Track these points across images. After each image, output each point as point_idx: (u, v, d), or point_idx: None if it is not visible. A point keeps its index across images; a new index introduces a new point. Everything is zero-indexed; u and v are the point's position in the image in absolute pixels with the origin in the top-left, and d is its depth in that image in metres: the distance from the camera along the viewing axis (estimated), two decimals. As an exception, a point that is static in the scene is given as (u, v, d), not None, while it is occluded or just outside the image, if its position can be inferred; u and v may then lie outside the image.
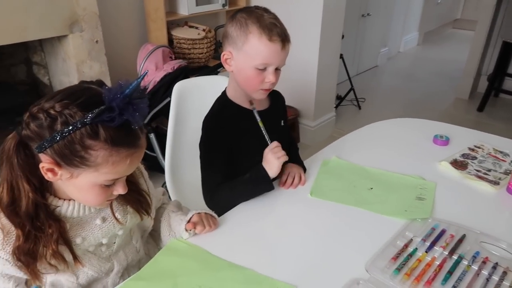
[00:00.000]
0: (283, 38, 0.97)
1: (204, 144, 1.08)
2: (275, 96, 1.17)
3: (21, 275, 0.73)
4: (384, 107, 3.56)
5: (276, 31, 0.96)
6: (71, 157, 0.65)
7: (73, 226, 0.77)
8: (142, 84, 2.12)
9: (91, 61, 1.93)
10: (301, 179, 1.10)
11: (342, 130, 3.03)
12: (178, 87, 1.48)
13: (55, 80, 2.09)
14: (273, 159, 1.01)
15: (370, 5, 3.90)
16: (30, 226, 0.70)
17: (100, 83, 0.71)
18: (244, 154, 1.07)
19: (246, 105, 1.08)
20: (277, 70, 1.00)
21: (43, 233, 0.71)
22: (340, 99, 3.40)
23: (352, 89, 3.38)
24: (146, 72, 0.90)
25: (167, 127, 2.35)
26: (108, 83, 2.03)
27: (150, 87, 2.06)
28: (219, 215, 1.00)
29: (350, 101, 3.50)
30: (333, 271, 0.84)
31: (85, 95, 0.66)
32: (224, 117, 1.07)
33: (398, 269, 0.82)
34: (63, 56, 1.91)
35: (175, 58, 2.23)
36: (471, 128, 1.49)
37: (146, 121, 2.14)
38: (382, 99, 3.75)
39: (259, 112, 1.06)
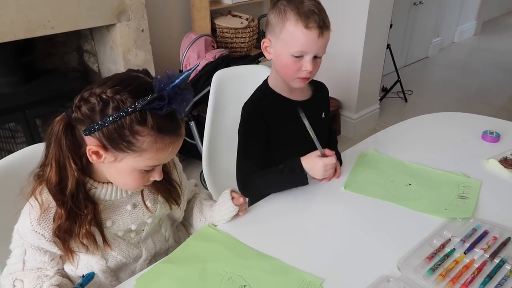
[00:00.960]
0: (321, 26, 0.94)
1: (242, 131, 1.08)
2: (318, 87, 1.14)
3: (56, 250, 0.78)
4: (433, 100, 3.38)
5: (314, 18, 0.93)
6: (119, 141, 0.68)
7: (105, 208, 0.80)
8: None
9: (136, 49, 1.99)
10: (336, 171, 1.08)
11: (385, 123, 2.93)
12: (218, 76, 1.49)
13: (104, 67, 2.18)
14: (320, 171, 0.99)
15: (423, -7, 3.70)
16: (72, 205, 0.74)
17: (146, 72, 0.73)
18: (280, 143, 1.06)
19: (286, 94, 1.07)
20: (316, 58, 0.98)
21: (80, 212, 0.75)
22: (385, 91, 3.28)
23: (398, 80, 3.24)
24: (197, 65, 0.91)
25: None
26: (152, 71, 2.09)
27: (192, 75, 2.09)
28: (251, 203, 1.01)
29: (396, 94, 3.37)
30: (363, 266, 0.82)
31: (135, 82, 0.68)
32: (263, 105, 1.07)
33: (433, 269, 0.78)
34: (111, 44, 1.99)
35: (218, 47, 2.25)
36: (530, 126, 1.38)
37: (187, 109, 2.19)
38: (432, 92, 3.56)
39: (300, 102, 1.05)
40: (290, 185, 1.04)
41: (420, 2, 3.72)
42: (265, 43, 1.02)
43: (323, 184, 1.07)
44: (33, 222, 0.74)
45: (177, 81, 0.66)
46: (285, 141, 1.06)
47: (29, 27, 1.62)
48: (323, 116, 1.14)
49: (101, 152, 0.70)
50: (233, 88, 1.53)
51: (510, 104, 3.35)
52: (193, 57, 2.08)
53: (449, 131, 1.37)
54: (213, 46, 2.19)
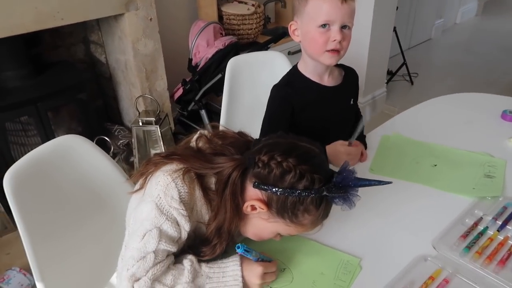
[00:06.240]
0: None
1: (267, 112, 1.08)
2: (349, 73, 1.13)
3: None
4: (438, 82, 3.38)
5: None
6: (287, 210, 0.68)
7: None
8: (194, 61, 2.12)
9: (145, 39, 1.97)
10: (362, 155, 1.08)
11: (393, 106, 2.93)
12: (232, 63, 1.48)
13: (111, 58, 2.16)
14: (342, 160, 0.99)
15: (425, -26, 3.67)
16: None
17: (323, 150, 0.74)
18: (305, 127, 1.06)
19: (316, 79, 1.06)
20: (344, 30, 0.96)
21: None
22: (391, 74, 3.27)
23: (404, 63, 3.23)
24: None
25: (216, 103, 2.39)
26: (161, 60, 2.07)
27: (202, 63, 2.08)
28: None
29: (401, 76, 3.36)
30: (398, 246, 0.83)
31: (323, 167, 0.71)
32: (291, 88, 1.06)
33: (468, 247, 0.80)
34: (119, 34, 1.97)
35: (225, 35, 2.23)
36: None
37: (197, 97, 2.18)
38: (437, 74, 3.56)
39: (331, 88, 1.05)
40: None
41: (423, -16, 3.69)
42: (292, 26, 1.02)
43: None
44: (183, 195, 0.68)
45: (361, 183, 0.69)
46: (310, 125, 1.06)
47: (39, 19, 1.61)
48: (351, 102, 1.13)
49: (259, 207, 0.69)
50: (248, 75, 1.52)
51: (515, 84, 3.36)
52: (202, 45, 2.06)
53: (467, 111, 1.37)
54: (221, 34, 2.17)
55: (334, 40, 0.95)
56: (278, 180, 0.67)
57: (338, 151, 1.01)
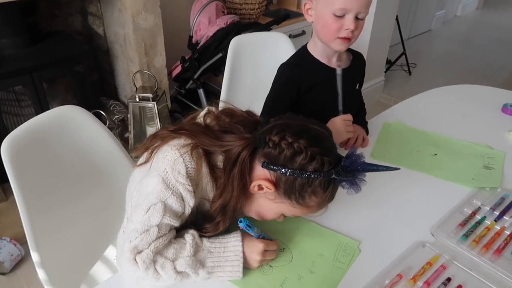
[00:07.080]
0: None
1: (271, 90, 1.07)
2: (357, 58, 1.12)
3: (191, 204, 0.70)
4: (436, 74, 3.38)
5: None
6: (295, 191, 0.68)
7: None
8: (194, 39, 2.07)
9: (146, 13, 1.93)
10: (364, 140, 1.08)
11: (390, 96, 2.93)
12: (234, 43, 1.45)
13: (110, 31, 2.11)
14: (343, 129, 0.99)
15: (430, -37, 3.62)
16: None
17: (331, 133, 0.73)
18: (307, 107, 1.05)
19: (325, 60, 1.05)
20: (358, 20, 0.95)
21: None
22: (389, 63, 3.26)
23: (404, 53, 3.22)
24: None
25: (214, 83, 2.36)
26: (161, 35, 2.03)
27: (202, 41, 2.05)
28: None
29: (399, 66, 3.35)
30: (397, 232, 0.84)
31: (333, 150, 0.70)
32: (299, 68, 1.05)
33: (466, 236, 0.81)
34: (119, 6, 1.92)
35: (227, 13, 2.19)
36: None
37: (196, 76, 2.15)
38: (435, 65, 3.56)
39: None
40: None
41: (427, -27, 3.65)
42: (306, 5, 1.00)
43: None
44: (190, 171, 0.67)
45: (369, 168, 0.68)
46: (315, 107, 1.05)
47: (37, -15, 1.55)
48: (357, 87, 1.12)
49: (266, 187, 0.69)
50: (251, 55, 1.50)
51: (512, 79, 3.37)
52: (204, 22, 2.02)
53: (468, 103, 1.37)
54: (223, 12, 2.13)
55: (347, 29, 0.94)
56: (288, 161, 0.66)
57: (333, 121, 1.01)
